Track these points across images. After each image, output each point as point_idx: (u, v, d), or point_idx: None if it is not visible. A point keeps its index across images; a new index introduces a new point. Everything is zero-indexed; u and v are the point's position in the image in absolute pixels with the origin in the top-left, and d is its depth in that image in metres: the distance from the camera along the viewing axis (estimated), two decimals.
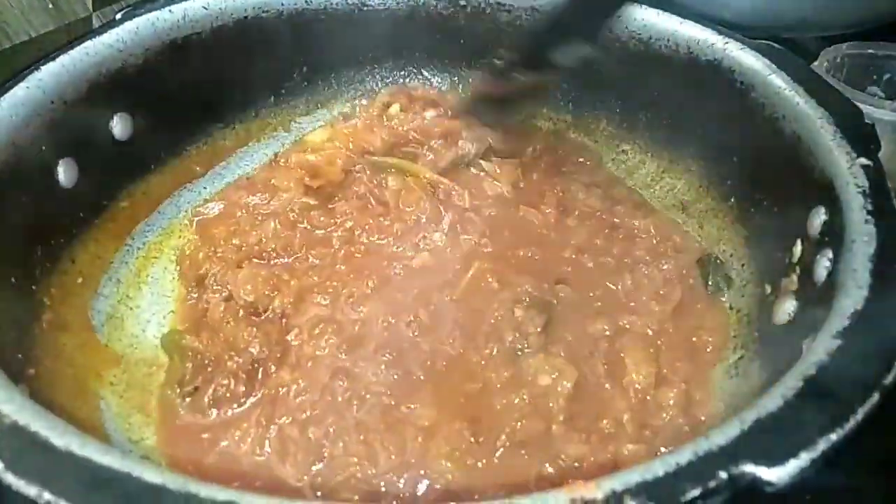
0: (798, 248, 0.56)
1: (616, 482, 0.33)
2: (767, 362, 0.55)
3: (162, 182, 0.75)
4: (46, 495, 0.33)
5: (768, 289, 0.60)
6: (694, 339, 0.62)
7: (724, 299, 0.65)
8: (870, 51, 0.88)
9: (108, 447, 0.35)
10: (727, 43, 0.69)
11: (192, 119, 0.77)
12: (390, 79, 0.87)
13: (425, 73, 0.87)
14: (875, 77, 0.88)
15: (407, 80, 0.87)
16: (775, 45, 0.68)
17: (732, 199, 0.69)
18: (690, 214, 0.73)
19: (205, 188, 0.78)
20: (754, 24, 0.86)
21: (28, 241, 0.59)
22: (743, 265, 0.66)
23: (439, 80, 0.87)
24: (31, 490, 0.33)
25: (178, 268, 0.70)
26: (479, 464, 0.52)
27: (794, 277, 0.56)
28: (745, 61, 0.67)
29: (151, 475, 0.33)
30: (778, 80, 0.63)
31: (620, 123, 0.80)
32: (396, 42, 0.85)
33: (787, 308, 0.55)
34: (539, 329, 0.60)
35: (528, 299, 0.61)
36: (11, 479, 0.34)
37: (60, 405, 0.50)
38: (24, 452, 0.35)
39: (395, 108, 0.81)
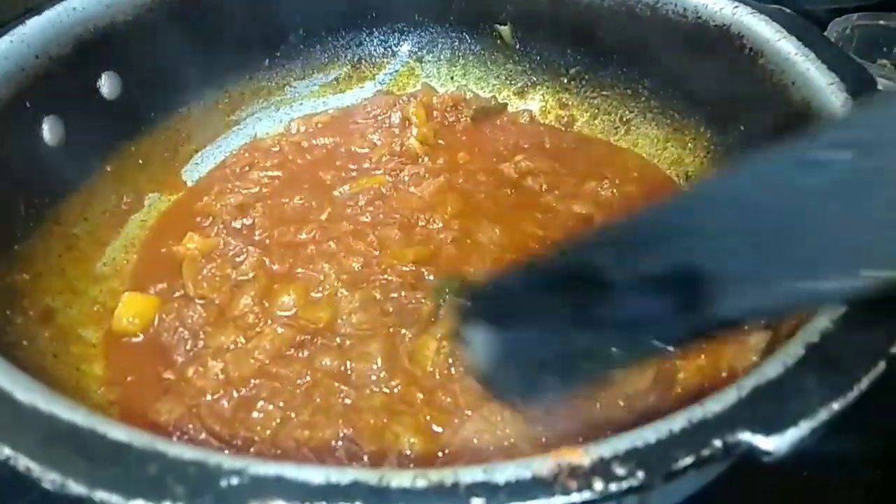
0: None
1: (605, 448, 0.32)
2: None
3: (152, 144, 0.73)
4: (6, 450, 0.31)
5: None
6: None
7: None
8: (881, 22, 0.85)
9: (76, 404, 0.34)
10: (736, 8, 0.66)
11: (184, 80, 0.75)
12: (389, 43, 0.85)
13: (424, 38, 0.85)
14: (885, 49, 0.86)
15: (404, 44, 0.85)
16: (786, 9, 0.65)
17: None
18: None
19: (196, 151, 0.76)
20: None
21: (11, 197, 0.58)
22: None
23: (439, 45, 0.85)
24: None
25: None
26: None
27: None
28: (755, 26, 0.64)
29: (117, 432, 0.32)
30: (788, 46, 0.61)
31: (624, 90, 0.77)
32: (396, 4, 0.83)
33: None
34: None
35: None
36: None
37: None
38: None
39: None
